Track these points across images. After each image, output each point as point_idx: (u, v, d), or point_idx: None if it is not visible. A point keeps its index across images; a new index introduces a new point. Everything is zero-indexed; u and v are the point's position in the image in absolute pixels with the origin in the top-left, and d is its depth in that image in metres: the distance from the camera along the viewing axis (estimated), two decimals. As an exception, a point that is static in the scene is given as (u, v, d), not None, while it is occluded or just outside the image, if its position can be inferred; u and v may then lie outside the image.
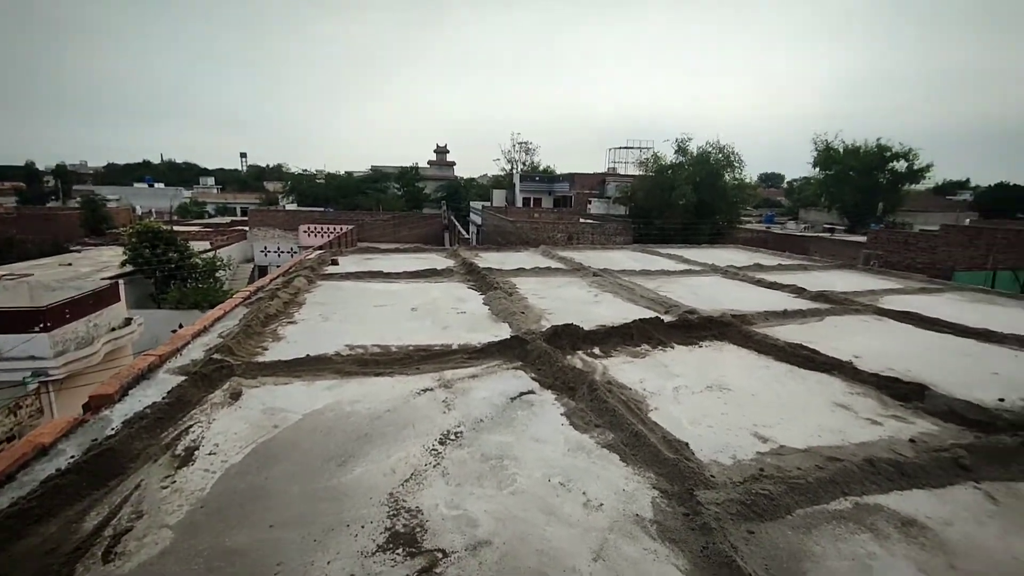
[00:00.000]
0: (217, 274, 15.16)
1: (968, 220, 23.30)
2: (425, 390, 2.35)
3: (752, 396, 2.38)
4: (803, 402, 2.33)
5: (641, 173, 23.20)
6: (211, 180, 65.37)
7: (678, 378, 2.57)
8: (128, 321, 9.23)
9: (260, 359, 2.67)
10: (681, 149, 20.84)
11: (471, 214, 31.13)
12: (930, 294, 4.76)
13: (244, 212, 36.66)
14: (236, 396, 2.21)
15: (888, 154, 25.65)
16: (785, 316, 3.74)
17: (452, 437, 1.92)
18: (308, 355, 2.68)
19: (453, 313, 3.74)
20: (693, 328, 3.31)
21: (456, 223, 28.52)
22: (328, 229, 24.72)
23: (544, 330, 3.06)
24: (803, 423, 2.11)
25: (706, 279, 5.28)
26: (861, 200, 26.14)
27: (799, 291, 4.53)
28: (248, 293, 4.18)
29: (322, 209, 33.38)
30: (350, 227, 24.12)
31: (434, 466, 1.72)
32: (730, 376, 2.62)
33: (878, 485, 1.67)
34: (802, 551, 1.38)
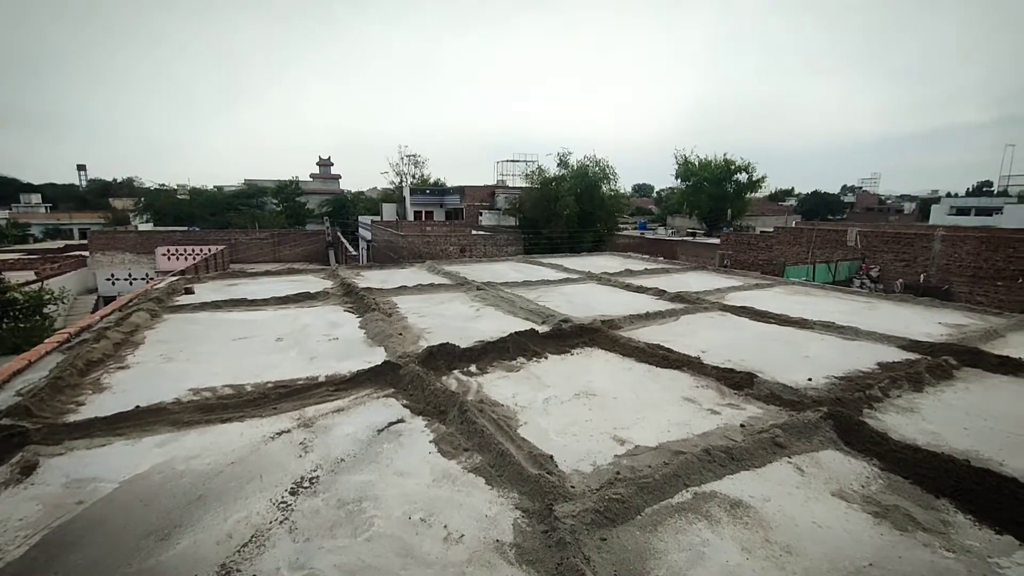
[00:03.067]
0: (46, 310, 12.70)
1: (794, 222, 27.80)
2: (280, 433, 2.14)
3: (615, 399, 2.53)
4: (657, 400, 2.52)
5: (528, 185, 24.17)
6: (36, 197, 54.91)
7: (549, 388, 2.65)
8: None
9: (71, 418, 2.23)
10: (563, 162, 22.17)
11: (360, 229, 29.88)
12: (762, 289, 5.54)
13: (84, 234, 31.37)
14: (28, 470, 1.81)
15: (733, 167, 29.82)
16: (647, 318, 4.07)
17: (306, 484, 1.76)
18: (137, 406, 2.30)
19: (324, 340, 3.49)
20: (566, 337, 3.45)
21: (343, 239, 27.14)
22: (194, 251, 22.20)
23: (420, 352, 2.98)
24: (656, 420, 2.28)
25: (582, 286, 5.59)
26: (714, 207, 30.01)
27: (660, 293, 4.98)
28: (67, 335, 3.51)
29: (186, 229, 30.01)
30: (221, 247, 21.86)
31: (280, 522, 1.55)
32: (596, 381, 2.76)
33: (713, 472, 1.85)
34: (648, 550, 1.47)
